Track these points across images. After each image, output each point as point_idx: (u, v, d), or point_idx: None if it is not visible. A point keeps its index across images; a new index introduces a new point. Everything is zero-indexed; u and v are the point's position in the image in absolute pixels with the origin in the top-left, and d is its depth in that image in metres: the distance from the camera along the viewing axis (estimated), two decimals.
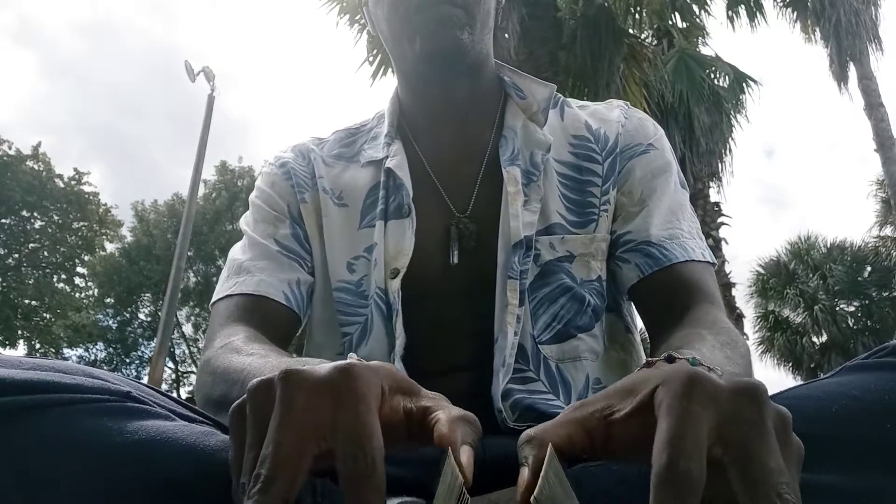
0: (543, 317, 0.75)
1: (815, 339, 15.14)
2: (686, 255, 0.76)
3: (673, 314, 0.72)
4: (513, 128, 0.82)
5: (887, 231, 15.90)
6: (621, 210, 0.80)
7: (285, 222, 0.83)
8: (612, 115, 0.85)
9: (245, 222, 0.86)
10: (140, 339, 18.41)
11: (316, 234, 0.83)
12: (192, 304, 17.61)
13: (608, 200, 0.80)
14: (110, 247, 17.79)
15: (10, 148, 15.53)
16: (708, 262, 0.78)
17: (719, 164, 9.22)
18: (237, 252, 0.83)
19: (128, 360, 18.26)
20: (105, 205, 17.19)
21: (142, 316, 18.37)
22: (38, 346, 16.75)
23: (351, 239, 0.81)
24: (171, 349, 16.59)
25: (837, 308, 15.13)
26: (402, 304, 0.74)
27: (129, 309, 18.15)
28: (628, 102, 0.89)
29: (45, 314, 16.84)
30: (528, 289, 0.75)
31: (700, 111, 8.08)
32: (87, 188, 16.69)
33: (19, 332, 16.26)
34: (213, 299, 0.79)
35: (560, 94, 0.88)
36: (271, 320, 0.75)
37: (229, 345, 0.66)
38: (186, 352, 18.13)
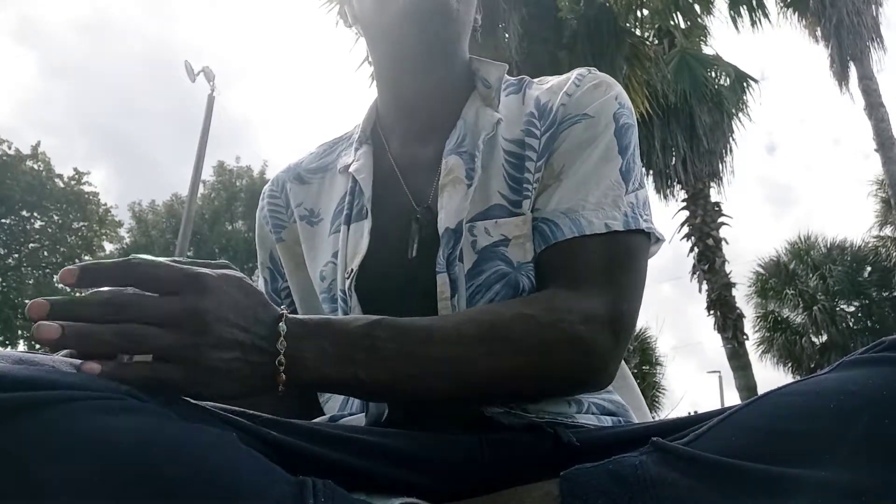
0: (480, 304, 0.73)
1: (814, 339, 15.14)
2: (575, 231, 0.70)
3: None
4: (465, 116, 0.81)
5: (887, 231, 15.89)
6: (540, 185, 0.75)
7: (267, 269, 0.93)
8: (563, 87, 0.80)
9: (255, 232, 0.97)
10: None
11: (301, 263, 0.87)
12: None
13: (539, 178, 0.76)
14: (110, 247, 17.78)
15: (9, 148, 15.53)
16: (613, 231, 0.69)
17: (720, 164, 9.22)
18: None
19: None
20: (105, 205, 17.19)
21: None
22: (38, 346, 16.71)
23: (323, 248, 0.83)
24: None
25: (837, 308, 15.13)
26: (364, 303, 0.75)
27: None
28: (594, 69, 0.82)
29: None
30: (467, 275, 0.73)
31: (702, 111, 8.09)
32: (86, 188, 16.69)
33: (19, 331, 16.26)
34: None
35: (526, 77, 0.86)
36: None
37: None
38: None
